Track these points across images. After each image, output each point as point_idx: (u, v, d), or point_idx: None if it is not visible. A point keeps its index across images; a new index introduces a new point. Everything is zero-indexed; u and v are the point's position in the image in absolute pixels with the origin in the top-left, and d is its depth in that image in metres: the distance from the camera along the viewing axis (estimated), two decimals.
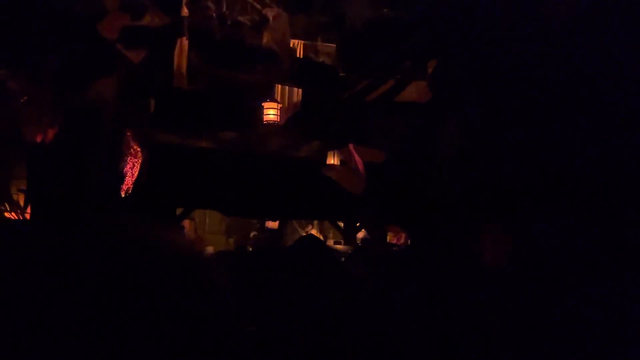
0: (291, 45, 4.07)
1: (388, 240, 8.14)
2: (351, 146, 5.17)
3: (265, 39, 3.53)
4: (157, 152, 4.90)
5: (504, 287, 3.24)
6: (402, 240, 8.76)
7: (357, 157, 5.14)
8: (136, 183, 4.57)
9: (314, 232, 12.79)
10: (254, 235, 11.37)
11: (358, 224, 8.88)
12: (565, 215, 3.25)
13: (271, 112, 4.08)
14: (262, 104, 4.11)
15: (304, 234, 12.36)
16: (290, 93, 4.27)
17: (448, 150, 4.68)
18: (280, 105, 4.15)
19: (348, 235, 9.13)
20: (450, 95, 4.74)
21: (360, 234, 9.19)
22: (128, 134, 4.24)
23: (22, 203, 5.71)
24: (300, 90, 4.30)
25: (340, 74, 4.31)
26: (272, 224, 11.34)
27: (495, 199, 3.96)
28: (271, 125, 4.06)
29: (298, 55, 4.10)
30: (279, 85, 4.26)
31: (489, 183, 4.13)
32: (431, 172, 4.77)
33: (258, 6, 3.91)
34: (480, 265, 3.65)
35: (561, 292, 2.78)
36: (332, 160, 4.87)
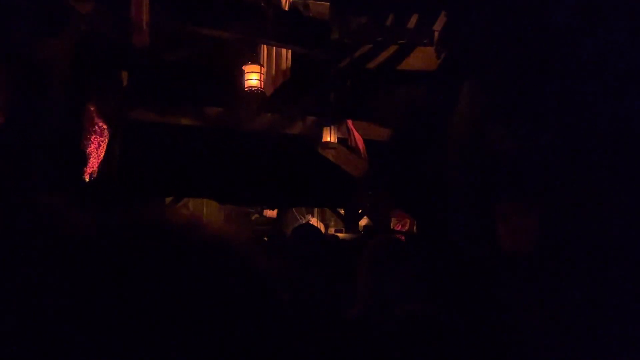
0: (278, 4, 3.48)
1: (392, 227, 7.69)
2: (349, 122, 4.65)
3: None
4: (133, 131, 4.41)
5: (525, 278, 3.06)
6: (407, 227, 8.43)
7: (356, 134, 4.65)
8: (110, 168, 4.10)
9: (314, 220, 12.44)
10: (256, 217, 11.18)
11: (360, 211, 8.46)
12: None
13: (253, 77, 3.48)
14: (243, 68, 3.52)
15: (303, 223, 11.98)
16: (278, 58, 3.68)
17: (460, 125, 4.24)
18: (264, 69, 3.56)
19: (350, 223, 8.70)
20: (461, 62, 4.27)
21: (363, 222, 8.81)
22: (91, 108, 3.70)
23: None
24: (289, 55, 3.72)
25: (336, 37, 3.73)
26: (271, 213, 10.90)
27: (516, 177, 3.59)
28: (254, 92, 3.48)
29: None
30: (265, 48, 3.68)
31: (508, 160, 3.72)
32: (441, 151, 4.31)
33: None
34: (498, 253, 3.45)
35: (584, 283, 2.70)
36: (329, 137, 4.32)
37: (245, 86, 3.49)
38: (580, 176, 3.14)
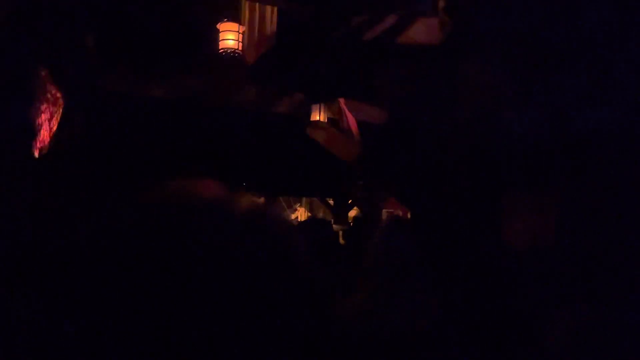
0: None
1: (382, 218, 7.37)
2: (342, 101, 4.25)
3: None
4: (98, 102, 3.98)
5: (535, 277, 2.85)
6: None
7: (349, 115, 4.27)
8: (70, 145, 3.68)
9: (301, 210, 12.18)
10: None
11: (350, 201, 8.17)
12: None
13: (230, 37, 3.01)
14: (218, 26, 3.04)
15: (294, 214, 11.73)
16: (262, 20, 3.20)
17: (466, 106, 3.92)
18: (243, 29, 3.07)
19: (339, 214, 8.41)
20: (468, 35, 3.93)
21: (353, 213, 8.58)
22: (43, 73, 3.23)
23: None
24: (274, 16, 3.24)
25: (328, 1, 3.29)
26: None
27: (527, 168, 3.36)
28: (230, 55, 3.00)
29: None
30: (247, 7, 3.18)
31: (518, 149, 3.39)
32: (443, 135, 3.96)
33: None
34: (500, 249, 3.31)
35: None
36: (318, 116, 3.90)
37: (220, 47, 3.02)
38: (595, 168, 2.92)
